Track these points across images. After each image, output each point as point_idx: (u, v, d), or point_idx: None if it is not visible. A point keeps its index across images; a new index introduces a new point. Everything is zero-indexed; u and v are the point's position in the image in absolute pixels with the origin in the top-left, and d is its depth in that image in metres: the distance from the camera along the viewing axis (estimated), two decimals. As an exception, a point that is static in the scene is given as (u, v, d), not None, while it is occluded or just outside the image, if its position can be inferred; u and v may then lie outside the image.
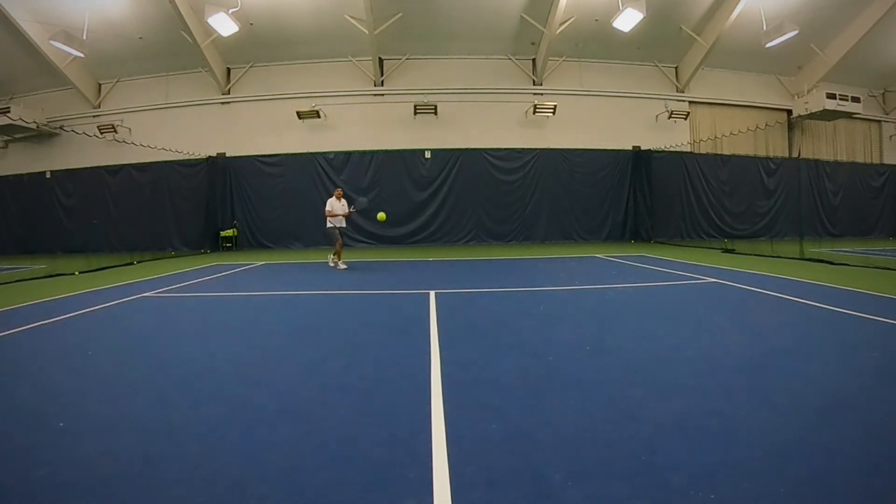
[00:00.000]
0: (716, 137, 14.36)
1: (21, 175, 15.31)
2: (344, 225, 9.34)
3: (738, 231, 14.51)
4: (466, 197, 14.04)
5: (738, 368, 2.77)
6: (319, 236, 13.01)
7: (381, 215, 10.29)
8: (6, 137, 15.28)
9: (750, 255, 9.89)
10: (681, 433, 1.90)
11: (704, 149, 14.59)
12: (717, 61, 14.29)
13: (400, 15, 12.57)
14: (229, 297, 6.69)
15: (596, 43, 13.89)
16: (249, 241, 14.33)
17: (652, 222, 14.38)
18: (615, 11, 11.71)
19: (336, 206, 9.15)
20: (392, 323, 4.66)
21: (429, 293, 5.97)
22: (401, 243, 13.98)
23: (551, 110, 13.97)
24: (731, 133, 13.87)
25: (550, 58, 14.12)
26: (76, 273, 9.42)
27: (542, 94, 14.49)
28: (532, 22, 12.77)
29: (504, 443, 1.90)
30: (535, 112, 14.08)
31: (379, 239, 14.04)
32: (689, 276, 6.99)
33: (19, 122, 13.84)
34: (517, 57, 14.39)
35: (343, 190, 9.90)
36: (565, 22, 12.55)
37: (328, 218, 9.02)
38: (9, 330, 4.54)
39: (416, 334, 3.95)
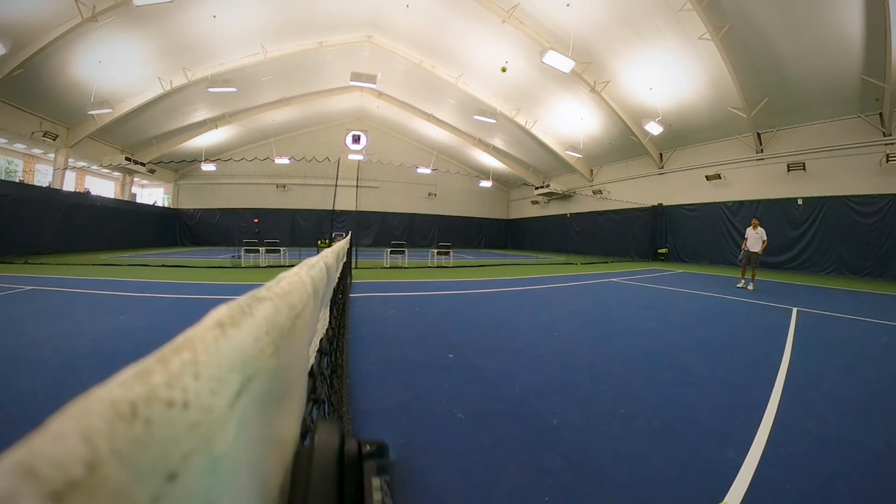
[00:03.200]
0: None
1: (555, 215, 28.23)
2: (755, 251, 9.69)
3: None
4: (830, 235, 15.98)
5: None
6: (720, 256, 18.98)
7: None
8: (548, 198, 28.05)
9: None
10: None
11: None
12: None
13: (766, 99, 15.68)
14: (656, 288, 9.17)
15: (938, 88, 13.46)
16: (675, 256, 21.22)
17: None
18: (950, 53, 10.86)
19: (750, 235, 9.80)
20: (760, 325, 5.40)
21: (792, 309, 6.65)
22: (777, 268, 17.03)
23: (903, 158, 14.39)
24: None
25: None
26: (578, 264, 16.45)
27: (892, 143, 15.17)
28: (872, 81, 13.82)
29: (815, 442, 2.24)
30: (888, 161, 14.85)
31: (762, 264, 15.26)
32: None
33: (554, 190, 25.77)
34: (865, 114, 15.28)
35: (758, 220, 10.46)
36: (902, 74, 13.06)
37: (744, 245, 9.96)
38: (526, 287, 8.45)
39: (775, 338, 4.59)
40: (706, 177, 19.91)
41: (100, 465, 0.13)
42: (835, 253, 16.21)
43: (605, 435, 2.30)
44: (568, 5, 14.45)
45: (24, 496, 0.11)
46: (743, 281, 9.88)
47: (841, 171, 16.22)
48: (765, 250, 9.86)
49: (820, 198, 16.58)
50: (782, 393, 2.98)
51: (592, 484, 1.87)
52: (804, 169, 16.85)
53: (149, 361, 0.18)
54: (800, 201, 17.13)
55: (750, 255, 9.73)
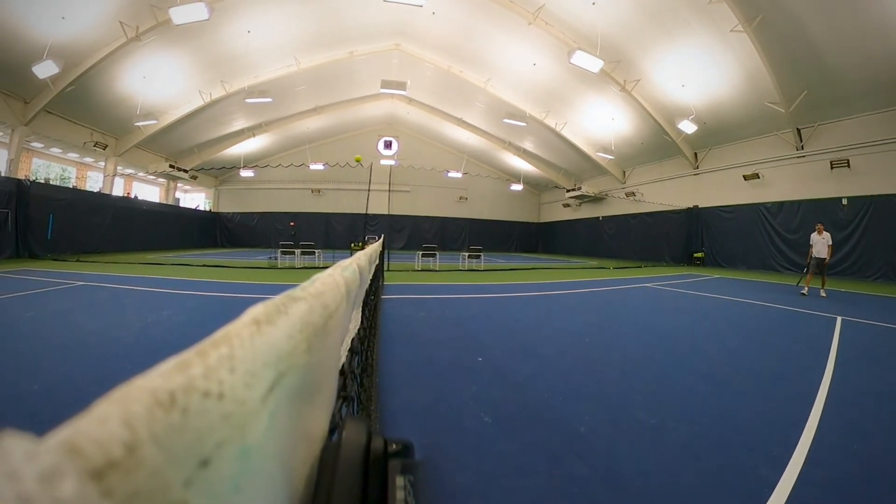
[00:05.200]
0: None
1: (587, 218, 27.52)
2: (822, 257, 9.23)
3: None
4: (877, 237, 14.60)
5: None
6: (758, 260, 17.91)
7: (358, 157, 13.03)
8: (580, 201, 27.37)
9: None
10: None
11: None
12: None
13: (805, 92, 14.63)
14: (692, 294, 8.93)
15: None
16: (711, 260, 20.20)
17: None
18: None
19: (816, 241, 9.39)
20: (801, 335, 5.11)
21: (836, 317, 6.28)
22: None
23: (960, 149, 12.96)
24: None
25: (952, 96, 13.30)
26: (611, 268, 15.89)
27: (945, 135, 13.85)
28: (920, 67, 12.15)
29: (858, 463, 2.02)
30: (940, 155, 13.34)
31: (802, 267, 13.31)
32: None
33: (586, 193, 25.11)
34: (920, 103, 13.44)
35: (823, 225, 10.01)
36: (957, 57, 11.14)
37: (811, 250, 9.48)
38: (557, 291, 8.24)
39: (817, 348, 4.31)
40: (744, 176, 18.93)
41: (138, 448, 0.14)
42: (883, 257, 14.80)
43: (633, 446, 2.22)
44: (594, 3, 14.20)
45: (67, 472, 0.12)
46: (807, 288, 9.35)
47: (889, 168, 14.87)
48: (831, 256, 9.43)
49: (866, 197, 15.23)
50: (824, 408, 2.76)
51: (618, 496, 1.81)
52: (848, 166, 15.58)
53: (188, 354, 0.19)
54: (844, 201, 15.84)
55: (818, 261, 9.30)
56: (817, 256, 9.30)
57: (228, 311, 5.51)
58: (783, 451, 2.13)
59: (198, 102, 19.54)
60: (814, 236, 9.54)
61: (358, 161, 12.98)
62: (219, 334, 0.22)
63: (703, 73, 15.89)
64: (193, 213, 28.57)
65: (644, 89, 17.94)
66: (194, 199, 34.92)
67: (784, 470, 1.95)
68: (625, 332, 5.01)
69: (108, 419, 0.14)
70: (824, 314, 6.71)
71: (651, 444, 2.24)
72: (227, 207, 31.35)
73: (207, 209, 31.77)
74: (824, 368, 3.64)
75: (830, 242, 9.37)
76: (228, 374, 0.20)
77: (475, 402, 2.74)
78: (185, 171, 23.76)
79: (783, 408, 2.75)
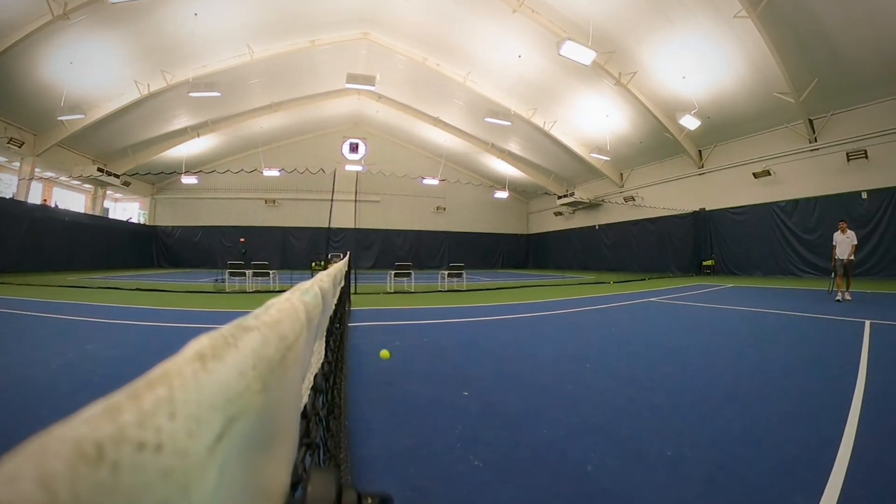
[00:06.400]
0: None
1: (582, 228, 28.34)
2: (846, 258, 9.57)
3: None
4: None
5: None
6: (775, 265, 18.38)
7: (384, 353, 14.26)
8: (574, 208, 28.20)
9: None
10: None
11: None
12: None
13: (816, 80, 15.24)
14: (703, 307, 9.16)
15: None
16: (723, 268, 20.81)
17: None
18: None
19: (840, 240, 9.74)
20: (828, 343, 5.33)
21: (864, 322, 6.56)
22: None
23: (982, 138, 13.50)
24: None
25: (972, 82, 13.77)
26: (611, 282, 16.18)
27: (967, 120, 14.54)
28: (941, 50, 12.95)
29: None
30: (963, 141, 13.95)
31: (822, 270, 15.43)
32: None
33: (580, 199, 25.80)
34: (938, 89, 14.34)
35: (847, 223, 10.27)
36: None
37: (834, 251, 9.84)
38: (552, 311, 8.39)
39: (847, 357, 4.47)
40: (753, 174, 19.75)
41: (57, 513, 0.12)
42: (911, 252, 15.12)
43: (648, 482, 2.20)
44: (585, -13, 14.49)
45: None
46: (840, 293, 9.56)
47: (911, 156, 15.21)
48: (855, 255, 9.72)
49: (888, 189, 15.70)
50: (859, 423, 2.80)
51: (635, 541, 1.79)
52: (866, 157, 16.11)
53: (118, 397, 0.18)
54: (864, 195, 16.39)
55: (842, 262, 9.57)
56: (841, 257, 9.58)
57: (167, 343, 5.38)
58: (818, 474, 2.15)
59: (133, 95, 19.27)
60: (837, 235, 9.83)
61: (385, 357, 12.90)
62: (155, 372, 0.21)
63: (705, 63, 16.42)
64: (125, 227, 28.13)
65: (641, 82, 18.46)
66: (126, 209, 34.23)
67: (821, 496, 1.97)
68: (631, 353, 5.06)
69: (19, 478, 0.13)
70: (851, 319, 6.93)
71: (670, 479, 2.23)
72: (165, 220, 30.85)
73: (142, 222, 31.22)
74: (856, 379, 3.72)
75: (855, 242, 9.68)
76: (168, 420, 0.19)
77: (463, 443, 2.70)
78: (117, 175, 23.39)
79: (814, 426, 2.79)
